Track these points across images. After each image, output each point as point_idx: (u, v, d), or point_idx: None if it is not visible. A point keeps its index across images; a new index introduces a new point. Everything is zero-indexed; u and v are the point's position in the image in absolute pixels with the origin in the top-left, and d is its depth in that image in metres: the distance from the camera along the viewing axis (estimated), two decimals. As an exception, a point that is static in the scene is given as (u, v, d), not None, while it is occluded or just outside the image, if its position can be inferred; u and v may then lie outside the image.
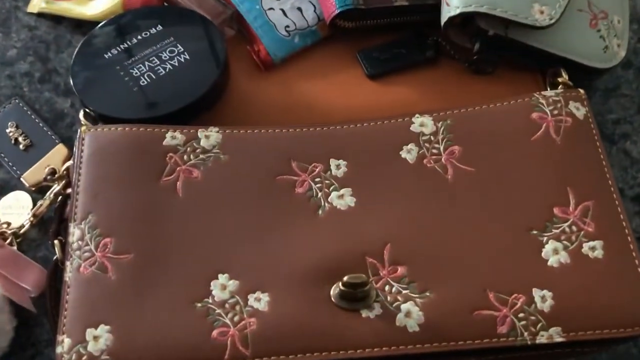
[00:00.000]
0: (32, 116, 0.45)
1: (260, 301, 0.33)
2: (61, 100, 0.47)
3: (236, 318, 0.33)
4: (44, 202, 0.42)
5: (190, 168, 0.37)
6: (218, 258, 0.34)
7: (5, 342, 0.39)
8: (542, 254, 0.34)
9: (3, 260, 0.40)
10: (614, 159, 0.45)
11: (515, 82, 0.44)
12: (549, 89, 0.42)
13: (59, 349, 0.32)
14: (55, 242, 0.39)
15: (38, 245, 0.43)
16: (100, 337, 0.32)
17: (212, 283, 0.34)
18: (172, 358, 0.32)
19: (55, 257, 0.39)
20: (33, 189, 0.44)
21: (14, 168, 0.44)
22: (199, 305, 0.33)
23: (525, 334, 0.32)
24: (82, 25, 0.48)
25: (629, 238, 0.35)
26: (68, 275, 0.34)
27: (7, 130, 0.45)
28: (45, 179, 0.42)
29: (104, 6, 0.47)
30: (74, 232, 0.35)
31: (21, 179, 0.44)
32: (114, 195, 0.36)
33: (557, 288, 0.33)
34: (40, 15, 0.49)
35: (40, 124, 0.45)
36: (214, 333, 0.32)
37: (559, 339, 0.32)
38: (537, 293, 0.33)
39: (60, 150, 0.44)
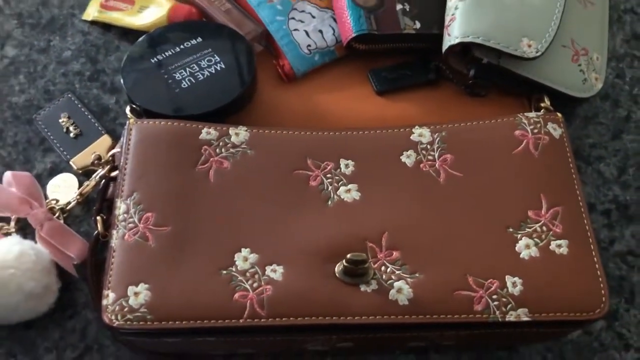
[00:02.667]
0: (82, 109, 0.52)
1: (275, 272, 0.39)
2: (107, 97, 0.53)
3: (255, 285, 0.38)
4: (90, 183, 0.48)
5: (221, 159, 0.43)
6: (241, 235, 0.40)
7: (52, 299, 0.44)
8: (516, 248, 0.40)
9: (52, 230, 0.46)
10: (588, 177, 0.52)
11: (505, 104, 0.50)
12: (533, 111, 0.48)
13: (104, 302, 0.38)
14: (98, 218, 0.44)
15: (81, 221, 0.49)
16: (140, 294, 0.38)
17: (235, 255, 0.39)
18: (200, 314, 0.37)
19: (96, 232, 0.45)
20: (80, 172, 0.50)
21: (65, 153, 0.50)
22: (224, 272, 0.39)
23: (497, 312, 0.38)
24: (128, 33, 0.55)
25: (590, 239, 0.40)
26: (114, 242, 0.40)
27: (60, 120, 0.51)
28: (92, 164, 0.49)
29: (151, 18, 0.53)
30: (121, 207, 0.41)
31: (70, 162, 0.50)
32: (155, 177, 0.42)
33: (526, 276, 0.39)
34: (93, 22, 0.56)
35: (89, 116, 0.51)
36: (236, 296, 0.38)
37: (525, 318, 0.38)
38: (509, 279, 0.39)
39: (105, 139, 0.51)
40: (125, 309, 0.38)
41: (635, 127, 0.53)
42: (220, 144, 0.43)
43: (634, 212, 0.50)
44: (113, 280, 0.39)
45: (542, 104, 0.48)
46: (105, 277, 0.39)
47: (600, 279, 0.39)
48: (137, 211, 0.41)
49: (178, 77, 0.47)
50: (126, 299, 0.38)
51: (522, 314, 0.38)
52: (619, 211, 0.50)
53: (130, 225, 0.40)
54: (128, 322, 0.37)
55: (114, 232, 0.40)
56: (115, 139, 0.51)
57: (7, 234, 0.46)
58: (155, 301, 0.38)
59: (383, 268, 0.39)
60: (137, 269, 0.39)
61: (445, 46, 0.48)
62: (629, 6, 0.59)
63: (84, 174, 0.50)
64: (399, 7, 0.50)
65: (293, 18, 0.52)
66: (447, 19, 0.49)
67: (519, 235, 0.40)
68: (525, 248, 0.40)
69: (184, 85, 0.47)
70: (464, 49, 0.48)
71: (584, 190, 0.50)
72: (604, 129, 0.53)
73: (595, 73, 0.51)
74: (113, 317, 0.37)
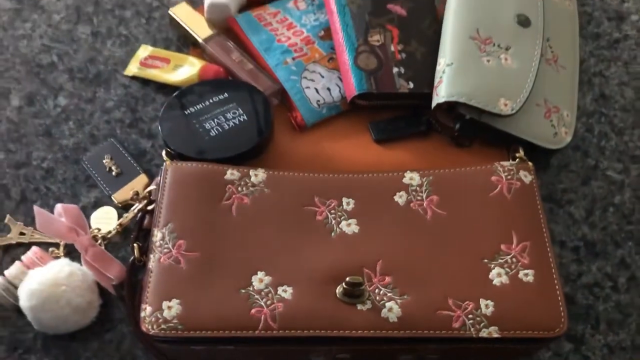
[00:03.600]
0: (122, 152, 0.60)
1: (286, 292, 0.46)
2: (144, 141, 0.61)
3: (268, 302, 0.46)
4: (129, 215, 0.56)
5: (242, 196, 0.51)
6: (258, 260, 0.47)
7: (94, 314, 0.51)
8: (490, 276, 0.47)
9: (95, 255, 0.53)
10: (560, 218, 0.59)
11: (486, 153, 0.57)
12: (510, 160, 0.56)
13: (142, 314, 0.45)
14: (135, 245, 0.52)
15: (119, 247, 0.56)
16: (172, 307, 0.45)
17: (252, 277, 0.47)
18: (222, 326, 0.44)
19: (132, 257, 0.52)
20: (120, 205, 0.57)
21: (107, 189, 0.58)
22: (243, 291, 0.46)
23: (472, 329, 0.45)
24: (164, 88, 0.63)
25: (553, 270, 0.47)
26: (151, 264, 0.48)
27: (104, 161, 0.59)
28: (131, 199, 0.56)
29: (184, 75, 0.62)
30: (157, 235, 0.49)
31: (111, 197, 0.58)
32: (187, 210, 0.49)
33: (497, 300, 0.46)
34: (134, 77, 0.64)
35: (128, 158, 0.60)
36: (252, 311, 0.45)
37: (495, 335, 0.45)
38: (483, 302, 0.46)
39: (142, 178, 0.59)
40: (160, 320, 0.45)
41: (602, 175, 0.61)
42: (242, 183, 0.51)
43: (600, 249, 0.57)
44: (150, 296, 0.46)
45: (517, 154, 0.55)
46: (143, 294, 0.46)
47: (560, 304, 0.46)
48: (171, 238, 0.48)
49: (207, 126, 0.55)
50: (161, 311, 0.45)
51: (493, 331, 0.45)
52: (587, 248, 0.57)
53: (165, 250, 0.48)
54: (162, 331, 0.44)
55: (151, 255, 0.48)
56: (151, 177, 0.59)
57: (57, 257, 0.54)
58: (185, 314, 0.45)
59: (377, 290, 0.47)
60: (171, 287, 0.46)
61: (434, 104, 0.56)
62: (598, 70, 0.67)
63: (123, 208, 0.57)
64: (395, 70, 0.58)
65: (305, 77, 0.60)
66: (436, 81, 0.57)
67: (493, 265, 0.48)
68: (497, 276, 0.47)
69: (212, 133, 0.55)
70: (450, 106, 0.56)
71: (554, 229, 0.57)
72: (575, 176, 0.61)
73: (565, 128, 0.59)
74: (149, 327, 0.45)
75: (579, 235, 0.58)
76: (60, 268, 0.51)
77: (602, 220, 0.58)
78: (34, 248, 0.54)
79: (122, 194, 0.58)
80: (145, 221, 0.54)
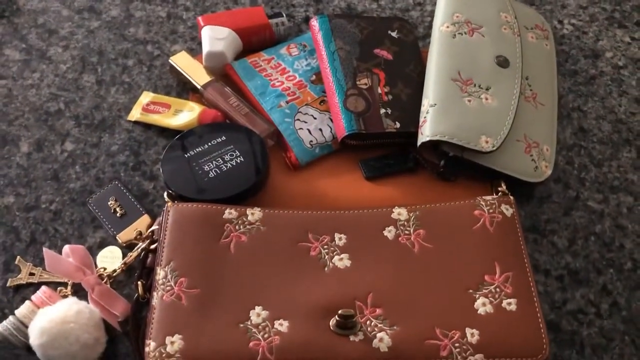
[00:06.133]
0: (126, 194, 0.63)
1: (282, 325, 0.49)
2: (147, 183, 0.65)
3: (265, 335, 0.48)
4: (132, 254, 0.59)
5: (240, 234, 0.54)
6: (255, 295, 0.50)
7: (101, 349, 0.54)
8: (474, 306, 0.50)
9: (101, 293, 0.56)
10: (544, 248, 0.61)
11: (470, 187, 0.60)
12: (494, 194, 0.59)
13: (146, 349, 0.48)
14: (139, 283, 0.54)
15: (124, 285, 0.59)
16: (175, 342, 0.48)
17: (250, 312, 0.49)
18: (222, 358, 0.47)
19: (136, 295, 0.54)
20: (124, 245, 0.60)
21: (112, 229, 0.61)
22: (241, 325, 0.49)
23: (459, 357, 0.47)
24: (165, 131, 0.67)
25: (535, 298, 0.50)
26: (154, 301, 0.50)
27: (109, 203, 0.63)
28: (134, 238, 0.60)
29: (184, 120, 0.66)
30: (160, 273, 0.52)
31: (116, 237, 0.61)
32: (188, 249, 0.52)
33: (482, 328, 0.48)
34: (136, 122, 0.68)
35: (132, 199, 0.63)
36: (250, 344, 0.48)
37: (481, 362, 0.47)
38: (468, 331, 0.48)
39: (145, 218, 0.62)
40: (164, 355, 0.47)
41: (583, 205, 0.64)
42: (239, 222, 0.54)
43: (583, 277, 0.60)
44: (154, 332, 0.49)
45: (500, 188, 0.58)
46: (147, 330, 0.49)
47: (542, 331, 0.48)
48: (173, 276, 0.51)
49: (206, 168, 0.59)
50: (164, 346, 0.48)
51: (478, 359, 0.47)
52: (570, 276, 0.60)
53: (168, 287, 0.51)
54: (165, 365, 0.47)
55: (155, 293, 0.51)
56: (153, 217, 0.62)
57: (65, 296, 0.57)
58: (187, 349, 0.47)
59: (368, 322, 0.49)
60: (173, 323, 0.49)
61: (419, 142, 0.60)
62: (576, 105, 0.70)
63: (127, 247, 0.60)
64: (382, 111, 0.62)
65: (298, 119, 0.64)
66: (420, 120, 0.61)
67: (477, 295, 0.50)
68: (482, 305, 0.50)
69: (211, 175, 0.58)
70: (434, 144, 0.59)
71: (539, 258, 0.60)
72: (557, 207, 0.64)
73: (545, 162, 0.62)
74: (154, 361, 0.47)
75: (562, 264, 0.60)
76: (69, 306, 0.53)
77: (584, 249, 0.61)
78: (43, 287, 0.57)
79: (126, 234, 0.61)
80: (149, 260, 0.56)
